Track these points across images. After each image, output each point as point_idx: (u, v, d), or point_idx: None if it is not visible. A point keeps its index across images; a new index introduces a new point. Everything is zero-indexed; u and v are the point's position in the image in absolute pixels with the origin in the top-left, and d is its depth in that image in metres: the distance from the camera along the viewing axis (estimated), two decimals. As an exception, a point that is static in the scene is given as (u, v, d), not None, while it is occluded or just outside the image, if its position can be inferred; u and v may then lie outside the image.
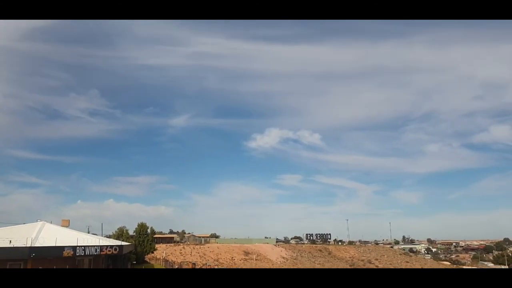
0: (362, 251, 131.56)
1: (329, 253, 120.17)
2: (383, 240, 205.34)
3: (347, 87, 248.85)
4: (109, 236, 74.66)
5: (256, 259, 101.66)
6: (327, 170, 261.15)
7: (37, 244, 46.10)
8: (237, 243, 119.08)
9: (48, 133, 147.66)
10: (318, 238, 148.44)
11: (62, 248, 45.16)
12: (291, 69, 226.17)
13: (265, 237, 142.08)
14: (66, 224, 65.37)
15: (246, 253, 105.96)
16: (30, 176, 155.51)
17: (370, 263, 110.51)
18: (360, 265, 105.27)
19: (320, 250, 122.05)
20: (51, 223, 61.60)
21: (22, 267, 42.28)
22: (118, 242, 58.68)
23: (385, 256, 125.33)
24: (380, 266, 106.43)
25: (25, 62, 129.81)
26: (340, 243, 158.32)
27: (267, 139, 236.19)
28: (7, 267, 36.32)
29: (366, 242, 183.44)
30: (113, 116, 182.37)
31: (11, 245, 43.96)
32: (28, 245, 44.04)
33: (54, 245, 45.75)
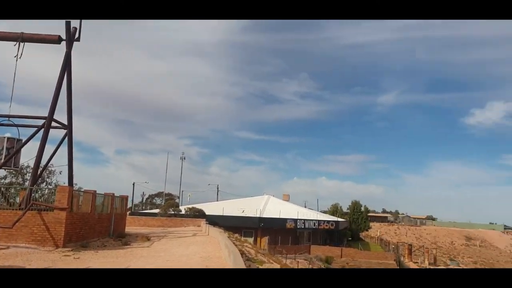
0: None
1: None
2: None
3: None
4: (324, 212, 78.20)
5: (480, 245, 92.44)
6: None
7: (264, 215, 51.31)
8: (456, 227, 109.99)
9: (265, 116, 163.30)
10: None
11: (285, 220, 49.28)
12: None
13: (490, 223, 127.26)
14: (287, 198, 71.01)
15: (468, 238, 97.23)
16: (253, 154, 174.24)
17: None
18: None
19: None
20: (272, 196, 67.81)
21: (253, 235, 47.83)
22: (334, 218, 60.93)
23: None
24: None
25: (245, 52, 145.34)
26: None
27: (489, 114, 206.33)
28: (242, 234, 41.33)
29: None
30: (322, 98, 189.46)
31: (243, 215, 50.12)
32: (258, 215, 49.41)
33: (278, 216, 50.12)
